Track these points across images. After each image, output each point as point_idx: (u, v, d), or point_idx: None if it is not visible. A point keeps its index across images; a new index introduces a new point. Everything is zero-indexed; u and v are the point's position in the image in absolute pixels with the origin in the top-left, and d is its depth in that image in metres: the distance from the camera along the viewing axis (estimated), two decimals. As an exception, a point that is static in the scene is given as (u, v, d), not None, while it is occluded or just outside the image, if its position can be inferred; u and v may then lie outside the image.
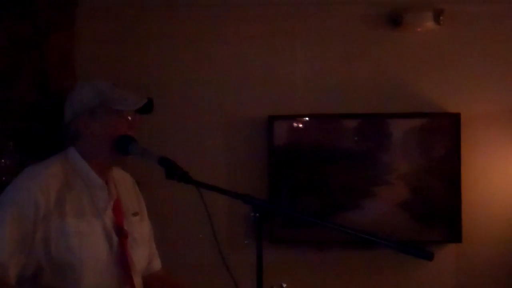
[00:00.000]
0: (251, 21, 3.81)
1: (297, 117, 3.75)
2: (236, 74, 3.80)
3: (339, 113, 3.74)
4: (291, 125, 3.75)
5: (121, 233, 2.00)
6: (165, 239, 3.76)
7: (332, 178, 3.73)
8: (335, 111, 3.74)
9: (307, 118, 3.76)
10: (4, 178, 3.19)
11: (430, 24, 3.70)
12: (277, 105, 3.76)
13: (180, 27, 3.81)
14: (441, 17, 3.69)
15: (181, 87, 3.81)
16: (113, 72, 3.77)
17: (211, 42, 3.80)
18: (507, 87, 3.75)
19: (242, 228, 3.66)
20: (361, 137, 3.75)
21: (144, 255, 2.13)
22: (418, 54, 3.77)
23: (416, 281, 3.75)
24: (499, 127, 3.73)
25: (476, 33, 3.75)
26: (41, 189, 1.88)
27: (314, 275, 3.79)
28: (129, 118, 2.00)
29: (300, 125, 3.77)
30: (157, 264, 2.29)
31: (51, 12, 3.56)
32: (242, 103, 3.81)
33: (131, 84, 3.74)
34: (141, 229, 2.12)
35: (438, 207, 3.71)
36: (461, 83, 3.75)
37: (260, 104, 3.78)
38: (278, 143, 3.72)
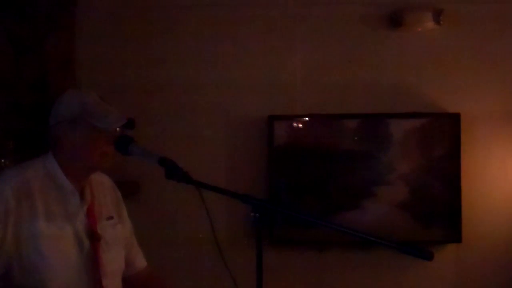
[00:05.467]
0: (251, 21, 3.81)
1: (297, 117, 3.75)
2: (236, 74, 3.80)
3: (339, 113, 3.74)
4: (291, 125, 3.75)
5: (94, 236, 2.02)
6: (165, 239, 3.80)
7: (332, 178, 3.73)
8: (335, 111, 3.74)
9: (307, 118, 3.76)
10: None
11: (430, 24, 3.70)
12: (277, 105, 3.76)
13: (180, 27, 3.81)
14: (441, 17, 3.69)
15: (181, 87, 3.81)
16: (113, 72, 3.78)
17: (211, 42, 3.80)
18: (507, 87, 3.75)
19: (242, 228, 3.66)
20: (361, 137, 3.75)
21: (117, 258, 2.14)
22: (418, 54, 3.77)
23: (416, 281, 3.75)
24: (499, 127, 3.73)
25: (476, 33, 3.75)
26: (12, 191, 1.93)
27: (314, 275, 3.79)
28: (109, 133, 2.00)
29: (300, 125, 3.77)
30: (141, 263, 2.32)
31: (51, 12, 3.57)
32: (242, 103, 3.81)
33: (131, 84, 3.78)
34: (114, 233, 2.13)
35: (438, 207, 3.71)
36: (461, 83, 3.75)
37: (260, 104, 3.78)
38: (278, 143, 3.72)
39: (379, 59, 3.78)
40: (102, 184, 2.18)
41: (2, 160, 3.26)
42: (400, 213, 3.68)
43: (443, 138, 3.72)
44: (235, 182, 3.71)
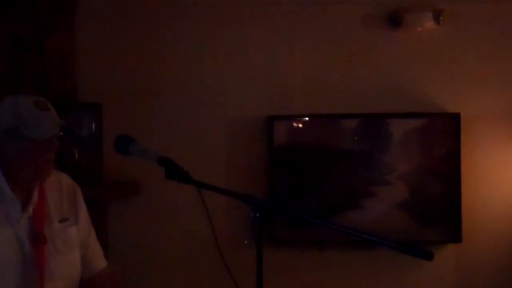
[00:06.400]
0: (251, 21, 3.81)
1: (297, 117, 3.75)
2: (236, 74, 3.80)
3: (339, 113, 3.74)
4: (291, 125, 3.75)
5: (38, 239, 2.00)
6: (165, 239, 3.80)
7: (332, 178, 3.73)
8: (335, 111, 3.74)
9: (307, 118, 3.76)
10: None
11: (430, 24, 3.70)
12: (277, 105, 3.76)
13: (180, 27, 3.81)
14: (441, 17, 3.69)
15: (181, 87, 3.81)
16: (113, 71, 3.78)
17: (211, 42, 3.80)
18: (507, 87, 3.75)
19: (242, 228, 3.66)
20: (361, 137, 3.75)
21: (68, 261, 2.11)
22: (418, 54, 3.77)
23: (416, 281, 3.75)
24: (499, 127, 3.73)
25: (476, 33, 3.74)
26: None
27: (314, 275, 3.79)
28: (46, 141, 1.98)
29: (300, 125, 3.77)
30: (98, 265, 2.28)
31: (51, 12, 3.56)
32: (242, 103, 3.81)
33: (131, 84, 3.78)
34: (65, 235, 2.11)
35: (438, 207, 3.71)
36: (461, 83, 3.75)
37: (260, 104, 3.78)
38: (278, 143, 3.72)
39: (379, 59, 3.78)
40: (59, 184, 2.16)
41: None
42: (400, 213, 3.69)
43: (443, 138, 3.72)
44: (235, 182, 3.71)
